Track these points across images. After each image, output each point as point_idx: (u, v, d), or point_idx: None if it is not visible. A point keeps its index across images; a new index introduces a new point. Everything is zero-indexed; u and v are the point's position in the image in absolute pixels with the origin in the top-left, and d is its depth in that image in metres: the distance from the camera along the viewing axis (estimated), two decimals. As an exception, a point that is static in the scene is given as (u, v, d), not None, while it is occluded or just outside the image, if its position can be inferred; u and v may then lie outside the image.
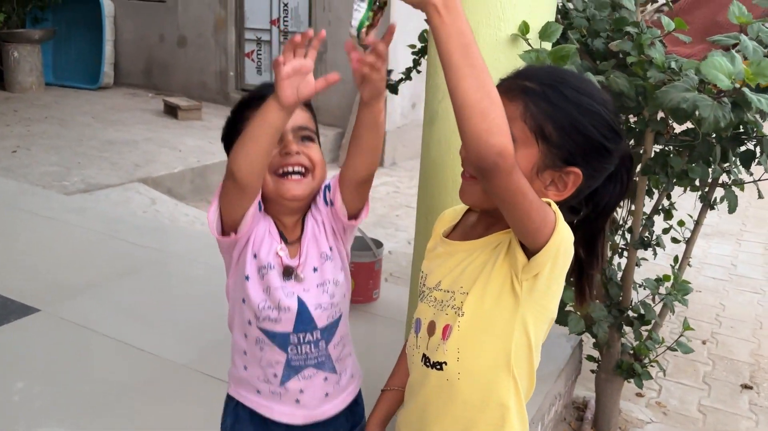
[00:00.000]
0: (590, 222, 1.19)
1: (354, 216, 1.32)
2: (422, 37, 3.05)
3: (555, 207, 1.04)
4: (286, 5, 6.96)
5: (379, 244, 3.16)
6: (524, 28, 1.64)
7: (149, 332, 2.73)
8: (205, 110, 6.98)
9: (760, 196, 2.38)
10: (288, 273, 1.27)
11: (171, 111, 6.92)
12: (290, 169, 1.22)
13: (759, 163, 2.03)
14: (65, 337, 2.69)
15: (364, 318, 2.96)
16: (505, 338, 1.13)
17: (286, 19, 7.04)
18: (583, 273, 1.22)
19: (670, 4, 1.94)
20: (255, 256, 1.25)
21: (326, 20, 6.56)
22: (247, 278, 1.25)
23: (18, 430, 2.16)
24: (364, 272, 3.05)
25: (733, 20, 1.63)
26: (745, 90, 1.41)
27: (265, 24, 7.24)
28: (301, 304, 1.27)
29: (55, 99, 7.38)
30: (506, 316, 1.12)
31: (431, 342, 1.19)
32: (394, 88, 3.10)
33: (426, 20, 0.92)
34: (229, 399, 1.40)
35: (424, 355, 1.20)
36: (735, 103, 1.47)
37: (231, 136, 1.25)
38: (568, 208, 1.12)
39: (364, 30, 1.02)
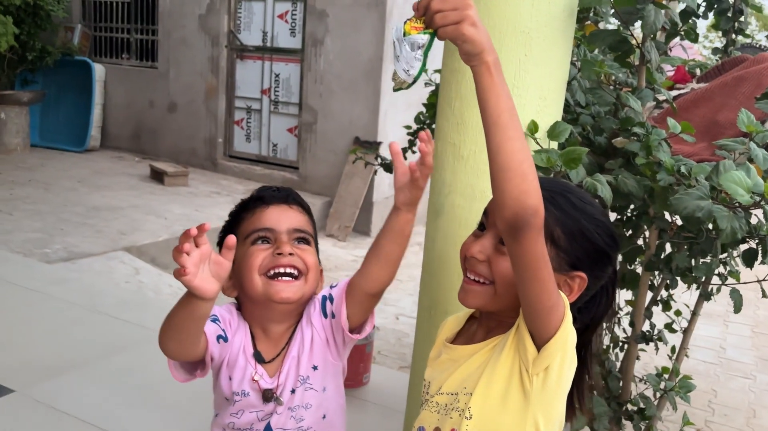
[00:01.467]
0: (580, 334, 1.14)
1: (355, 329, 1.27)
2: (418, 119, 3.08)
3: (564, 296, 1.05)
4: (277, 76, 7.05)
5: (374, 328, 3.09)
6: (533, 127, 1.66)
7: (132, 417, 2.64)
8: (192, 176, 6.99)
9: (765, 296, 2.40)
10: (267, 397, 1.22)
11: (157, 176, 6.91)
12: (282, 270, 1.18)
13: (763, 262, 2.06)
14: (40, 422, 2.59)
15: (355, 405, 2.85)
16: None
17: (277, 89, 7.13)
18: (573, 386, 1.16)
19: (672, 102, 1.97)
20: (230, 378, 1.22)
21: (317, 92, 6.64)
22: (226, 399, 1.23)
23: None
24: (356, 355, 2.94)
25: (743, 128, 1.65)
26: (765, 204, 1.42)
27: (255, 93, 7.32)
28: (268, 429, 1.24)
29: (41, 161, 7.39)
30: (516, 418, 1.09)
31: None
32: (388, 167, 3.09)
33: (474, 79, 0.92)
34: None
35: None
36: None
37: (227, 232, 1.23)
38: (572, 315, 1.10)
39: (419, 77, 1.02)
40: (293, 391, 1.23)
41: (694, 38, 2.73)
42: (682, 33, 2.68)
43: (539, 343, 1.04)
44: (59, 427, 2.58)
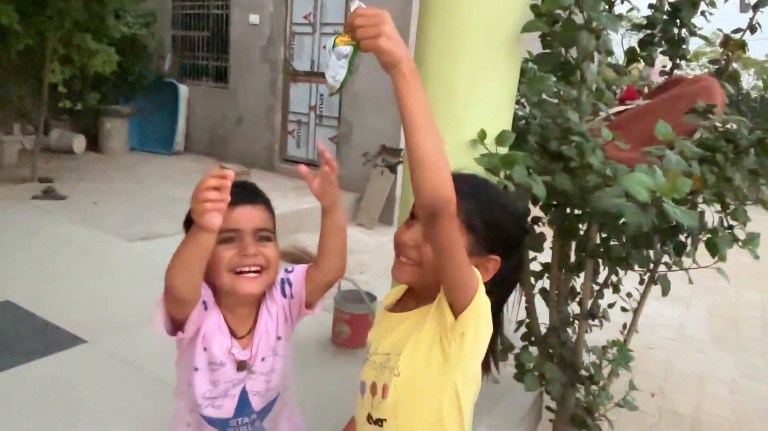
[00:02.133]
0: (495, 304, 1.13)
1: (310, 305, 1.28)
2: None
3: (478, 273, 1.03)
4: (321, 95, 7.13)
5: (372, 298, 3.08)
6: (482, 135, 1.64)
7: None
8: (253, 175, 7.00)
9: (690, 282, 2.31)
10: (242, 367, 1.20)
11: (227, 175, 6.94)
12: (247, 269, 1.14)
13: (687, 255, 1.99)
14: (107, 369, 2.59)
15: (356, 362, 2.83)
16: (437, 398, 1.08)
17: (321, 106, 7.18)
18: (489, 350, 1.14)
19: (611, 116, 1.90)
20: (205, 349, 1.17)
21: (352, 109, 6.70)
22: (196, 369, 1.18)
23: None
24: (359, 322, 2.97)
25: (659, 137, 1.59)
26: (665, 202, 1.34)
27: (304, 109, 7.36)
28: (243, 393, 1.22)
29: (136, 161, 7.57)
30: (437, 377, 1.07)
31: (374, 402, 1.14)
32: (392, 168, 3.04)
33: (394, 85, 0.88)
34: None
35: (368, 414, 1.15)
36: (661, 211, 1.44)
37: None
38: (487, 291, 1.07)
39: (340, 87, 0.98)
40: (263, 359, 1.22)
41: (651, 63, 2.65)
42: (640, 59, 2.61)
43: (456, 313, 1.00)
44: (122, 374, 2.58)
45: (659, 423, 3.15)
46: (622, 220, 1.49)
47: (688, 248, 1.98)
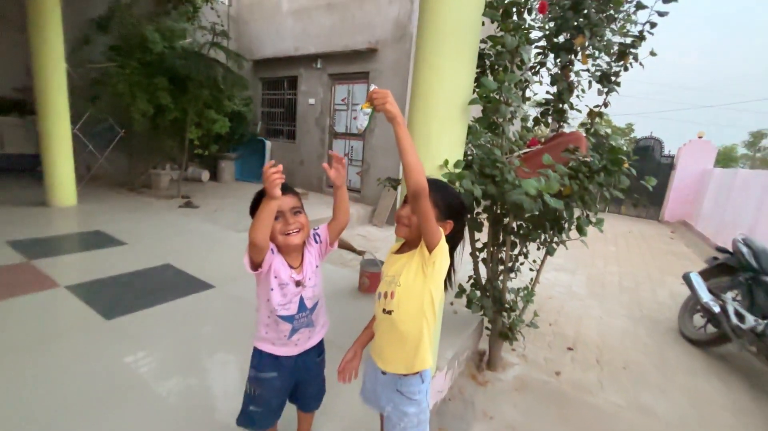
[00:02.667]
0: (450, 250, 1.21)
1: (332, 244, 1.33)
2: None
3: (440, 229, 1.14)
4: (352, 147, 7.14)
5: (382, 263, 3.15)
6: (446, 162, 1.69)
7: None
8: (309, 196, 7.14)
9: (566, 248, 2.36)
10: (299, 284, 1.23)
11: (293, 194, 6.99)
12: (291, 230, 1.20)
13: (565, 233, 2.07)
14: (226, 306, 2.64)
15: (372, 300, 2.94)
16: (421, 297, 1.16)
17: (351, 153, 7.17)
18: (448, 273, 1.23)
19: (521, 154, 1.98)
20: (276, 277, 1.20)
21: (370, 154, 6.71)
22: (272, 289, 1.21)
23: (203, 360, 2.05)
24: (375, 277, 3.02)
25: (545, 163, 1.68)
26: (545, 196, 1.45)
27: (341, 154, 7.39)
28: (301, 299, 1.25)
29: (239, 187, 7.63)
30: (421, 286, 1.16)
31: (386, 302, 1.21)
32: (394, 185, 3.03)
33: (394, 130, 1.05)
34: (255, 349, 1.30)
35: (383, 308, 1.22)
36: (544, 202, 1.53)
37: (254, 209, 1.19)
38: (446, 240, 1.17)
39: (364, 130, 1.17)
40: (309, 278, 1.26)
41: (547, 125, 2.71)
42: (542, 123, 2.67)
43: (430, 251, 1.12)
44: (233, 304, 2.61)
45: (553, 340, 3.20)
46: (523, 209, 1.59)
47: (565, 229, 2.03)
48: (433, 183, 1.21)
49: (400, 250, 1.28)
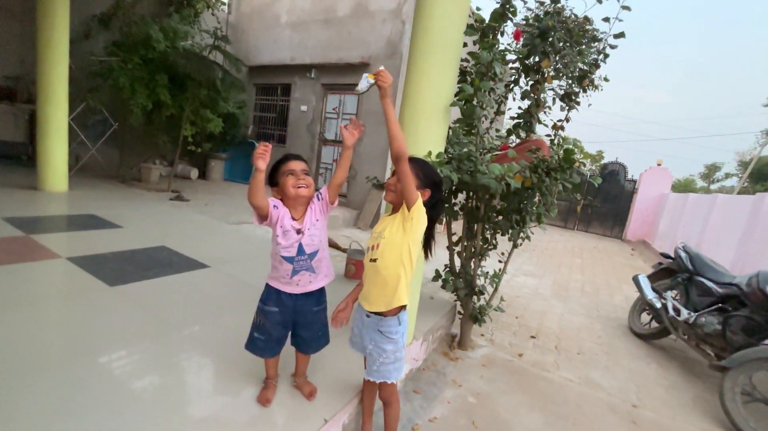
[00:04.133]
0: (429, 218, 1.39)
1: (332, 202, 1.45)
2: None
3: (418, 193, 1.30)
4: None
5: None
6: (429, 155, 1.92)
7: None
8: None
9: (530, 240, 2.64)
10: (299, 232, 1.39)
11: (281, 195, 7.08)
12: (301, 185, 1.38)
13: (527, 223, 2.36)
14: (222, 282, 2.77)
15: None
16: (401, 248, 1.33)
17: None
18: (428, 242, 1.42)
19: (494, 155, 2.27)
20: (281, 226, 1.38)
21: (358, 161, 6.86)
22: (277, 235, 1.39)
23: (207, 319, 2.21)
24: (359, 265, 3.22)
25: (510, 156, 1.97)
26: (507, 178, 1.73)
27: (330, 161, 7.53)
28: (300, 245, 1.40)
29: (227, 186, 7.69)
30: (400, 239, 1.32)
31: (372, 252, 1.39)
32: (380, 186, 3.24)
33: (382, 106, 1.24)
34: (266, 285, 1.48)
35: (370, 258, 1.39)
36: (506, 183, 1.81)
37: (271, 177, 1.39)
38: (426, 210, 1.35)
39: (363, 91, 1.29)
40: (309, 228, 1.40)
41: (518, 136, 3.03)
42: (514, 133, 2.98)
43: (409, 208, 1.30)
44: (227, 282, 2.73)
45: (518, 329, 3.47)
46: (491, 192, 1.85)
47: (527, 220, 2.33)
48: (415, 159, 1.45)
49: (388, 214, 1.49)
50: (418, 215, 1.34)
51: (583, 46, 2.78)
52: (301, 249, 1.41)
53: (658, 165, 10.75)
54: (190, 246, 3.43)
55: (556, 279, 5.54)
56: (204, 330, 2.05)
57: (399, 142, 1.29)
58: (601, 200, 10.90)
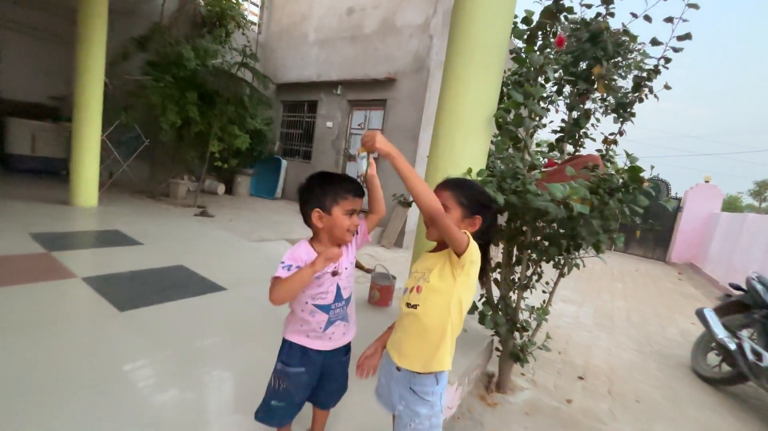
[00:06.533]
0: (484, 245, 1.19)
1: (368, 233, 1.31)
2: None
3: (468, 233, 1.10)
4: (363, 175, 7.24)
5: (393, 277, 3.10)
6: (469, 171, 1.72)
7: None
8: (321, 213, 7.16)
9: (584, 266, 2.32)
10: (335, 273, 1.20)
11: (305, 212, 7.00)
12: (354, 228, 1.20)
13: (583, 249, 2.05)
14: (238, 307, 2.63)
15: (383, 313, 2.87)
16: (449, 298, 1.12)
17: (364, 175, 7.25)
18: (483, 269, 1.19)
19: (543, 171, 2.00)
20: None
21: (381, 174, 6.76)
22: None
23: (218, 350, 2.08)
24: (385, 290, 2.99)
25: (568, 174, 1.70)
26: (570, 202, 1.46)
27: (354, 175, 7.45)
28: (338, 288, 1.21)
29: (253, 201, 7.70)
30: (449, 288, 1.12)
31: (412, 295, 1.17)
32: (406, 203, 2.99)
33: (392, 165, 1.05)
34: (285, 342, 1.23)
35: (407, 302, 1.18)
36: (566, 206, 1.53)
37: (308, 195, 1.18)
38: (476, 238, 1.14)
39: (365, 173, 1.18)
40: (346, 268, 1.23)
41: (561, 151, 2.75)
42: (569, 141, 2.68)
43: (459, 255, 1.09)
44: (245, 306, 2.58)
45: (563, 368, 3.10)
46: (548, 216, 1.59)
47: (582, 246, 2.01)
48: (454, 182, 1.21)
49: (434, 250, 1.25)
50: (471, 260, 1.10)
51: (618, 59, 2.47)
52: (339, 295, 1.22)
53: (706, 182, 9.95)
54: (209, 265, 3.30)
55: (597, 307, 5.07)
56: (213, 364, 1.82)
57: (425, 198, 1.05)
58: (641, 219, 10.16)
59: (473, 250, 1.10)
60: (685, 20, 2.27)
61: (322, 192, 1.17)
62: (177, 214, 5.31)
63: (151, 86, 5.47)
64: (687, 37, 2.27)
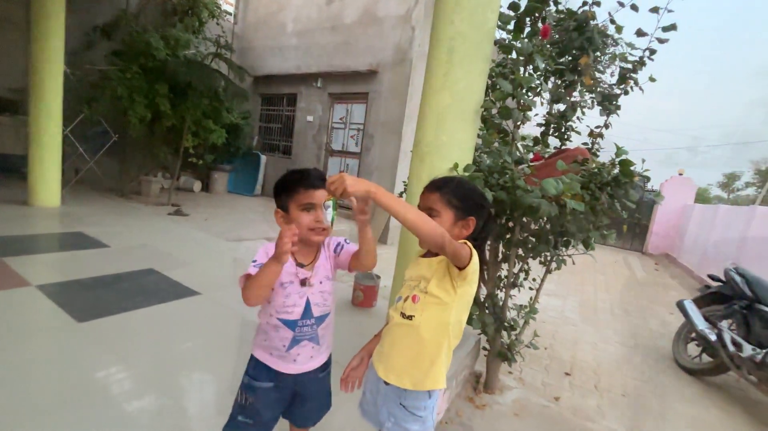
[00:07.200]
0: (479, 243, 1.09)
1: (347, 268, 1.15)
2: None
3: (470, 245, 1.00)
4: (348, 165, 7.11)
5: (378, 277, 3.03)
6: (456, 165, 1.64)
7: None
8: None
9: (573, 263, 2.28)
10: (304, 283, 1.08)
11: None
12: (318, 227, 1.07)
13: (573, 246, 2.00)
14: (213, 311, 2.50)
15: (367, 314, 2.78)
16: (448, 311, 1.04)
17: (347, 170, 7.12)
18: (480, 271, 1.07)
19: (530, 165, 1.93)
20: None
21: (366, 173, 6.66)
22: (272, 290, 1.06)
23: (186, 364, 1.93)
24: (370, 291, 2.90)
25: (559, 169, 1.63)
26: (563, 198, 1.38)
27: (336, 172, 7.30)
28: (308, 303, 1.09)
29: (231, 199, 7.47)
30: (450, 299, 1.03)
31: (407, 305, 1.08)
32: None
33: (375, 202, 0.88)
34: (252, 358, 1.14)
35: (402, 312, 1.08)
36: (561, 205, 1.46)
37: (279, 192, 1.07)
38: (471, 238, 1.06)
39: (334, 222, 1.02)
40: (321, 282, 1.11)
41: (546, 145, 2.69)
42: (556, 135, 2.64)
43: (460, 268, 0.99)
44: (219, 312, 2.45)
45: (550, 364, 3.08)
46: (538, 213, 1.51)
47: (572, 243, 1.96)
48: (442, 181, 1.11)
49: (426, 254, 1.15)
50: (473, 273, 1.01)
51: (597, 53, 2.41)
52: (307, 310, 1.09)
53: (680, 174, 10.25)
54: (182, 268, 3.11)
55: (582, 300, 5.11)
56: (173, 398, 1.67)
57: (425, 229, 0.91)
58: (629, 214, 10.43)
59: (475, 261, 1.00)
60: (670, 11, 2.23)
61: (279, 190, 1.08)
62: (149, 213, 5.04)
63: (116, 77, 5.15)
64: (672, 27, 2.23)
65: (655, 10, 2.23)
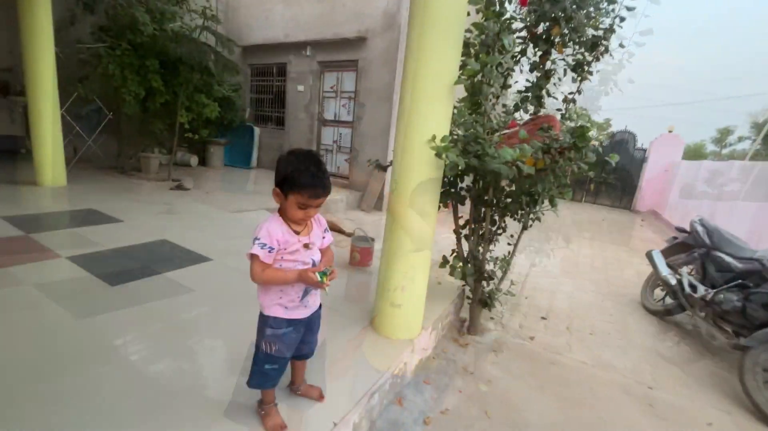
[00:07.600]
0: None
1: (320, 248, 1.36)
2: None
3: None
4: (341, 134, 7.17)
5: (372, 240, 3.28)
6: (433, 137, 1.82)
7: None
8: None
9: (540, 222, 2.52)
10: (307, 246, 1.27)
11: (283, 180, 6.96)
12: (306, 221, 1.27)
13: (539, 203, 2.24)
14: (225, 274, 2.73)
15: (364, 272, 3.08)
16: None
17: (340, 141, 7.16)
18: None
19: (502, 133, 2.13)
20: (285, 249, 1.24)
21: (359, 142, 6.74)
22: (282, 258, 1.25)
23: (211, 319, 2.20)
24: (366, 252, 3.17)
25: (521, 138, 1.84)
26: (519, 163, 1.61)
27: (330, 142, 7.35)
28: (313, 262, 1.30)
29: (228, 172, 7.58)
30: None
31: None
32: (381, 167, 3.00)
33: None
34: (264, 317, 1.30)
35: None
36: (518, 167, 1.68)
37: (282, 184, 1.19)
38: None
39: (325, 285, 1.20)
40: (315, 243, 1.31)
41: (526, 111, 2.86)
42: (521, 108, 2.80)
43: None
44: (230, 275, 2.68)
45: (528, 311, 3.42)
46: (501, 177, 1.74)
47: (539, 202, 2.20)
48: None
49: None
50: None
51: (591, 9, 2.54)
52: (314, 265, 1.31)
53: (670, 132, 10.39)
54: (192, 238, 3.37)
55: (565, 256, 5.46)
56: (210, 332, 1.99)
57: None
58: (610, 171, 10.63)
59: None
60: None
61: (284, 174, 1.19)
62: (152, 189, 5.24)
63: (106, 54, 5.16)
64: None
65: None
